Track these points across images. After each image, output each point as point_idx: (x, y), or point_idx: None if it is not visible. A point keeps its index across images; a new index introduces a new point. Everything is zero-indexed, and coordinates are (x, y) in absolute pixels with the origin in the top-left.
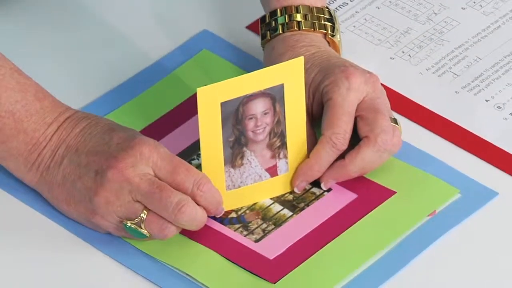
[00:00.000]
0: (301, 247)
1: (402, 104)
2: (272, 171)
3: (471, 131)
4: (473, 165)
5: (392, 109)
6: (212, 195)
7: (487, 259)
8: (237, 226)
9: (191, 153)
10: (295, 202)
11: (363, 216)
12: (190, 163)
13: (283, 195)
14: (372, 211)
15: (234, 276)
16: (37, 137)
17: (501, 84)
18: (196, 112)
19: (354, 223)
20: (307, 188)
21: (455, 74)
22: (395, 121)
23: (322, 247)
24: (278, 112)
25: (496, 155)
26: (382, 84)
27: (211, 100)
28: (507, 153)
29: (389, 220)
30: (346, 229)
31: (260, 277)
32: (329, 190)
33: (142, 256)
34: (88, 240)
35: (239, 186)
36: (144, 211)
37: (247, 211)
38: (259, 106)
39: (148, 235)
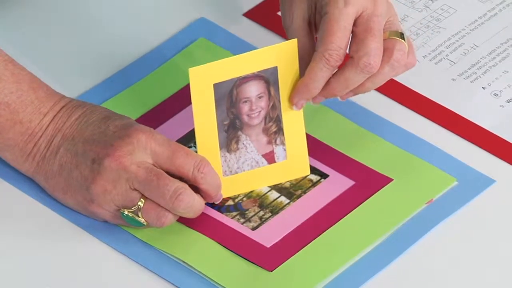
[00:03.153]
0: (298, 235)
1: (399, 92)
2: (270, 158)
3: (468, 118)
4: (470, 152)
5: (389, 97)
6: (213, 177)
7: (484, 247)
8: (234, 213)
9: (187, 141)
10: (292, 190)
11: (360, 204)
12: None
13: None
14: (369, 199)
15: (231, 264)
16: (33, 128)
17: (497, 71)
18: (191, 102)
19: (351, 210)
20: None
21: (451, 61)
22: (400, 35)
23: (319, 235)
24: (273, 97)
25: (493, 143)
26: None
27: (203, 80)
28: (504, 140)
29: (386, 208)
30: (343, 217)
31: (257, 265)
32: (326, 176)
33: (139, 244)
34: (85, 228)
35: (236, 172)
36: (142, 199)
37: (244, 199)
38: (253, 89)
39: (145, 223)
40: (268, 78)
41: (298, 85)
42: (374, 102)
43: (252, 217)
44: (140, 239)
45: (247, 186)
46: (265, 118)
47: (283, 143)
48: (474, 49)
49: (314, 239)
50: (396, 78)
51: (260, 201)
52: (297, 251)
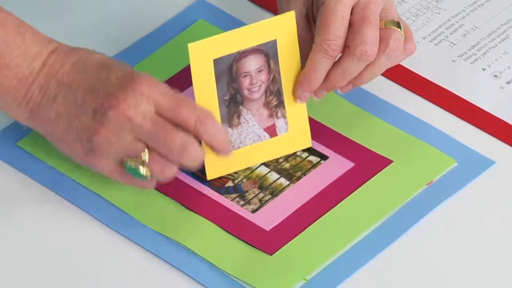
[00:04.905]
0: (298, 218)
1: (398, 74)
2: (271, 131)
3: (467, 99)
4: (469, 133)
5: (389, 78)
6: (217, 131)
7: (484, 228)
8: (234, 195)
9: None
10: (291, 171)
11: (359, 186)
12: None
13: (279, 163)
14: (369, 181)
15: (231, 247)
16: (22, 72)
17: (497, 52)
18: (191, 84)
19: (351, 193)
20: (304, 156)
21: (451, 42)
22: (397, 24)
23: (319, 218)
24: (273, 70)
25: (493, 124)
26: None
27: (203, 55)
28: (504, 121)
29: (386, 190)
30: (343, 199)
31: (257, 249)
32: (326, 158)
33: (138, 226)
34: (85, 209)
35: (239, 147)
36: (146, 151)
37: (244, 180)
38: (252, 63)
39: (148, 175)
40: (268, 52)
41: (300, 78)
42: (374, 83)
43: (251, 199)
44: (140, 221)
45: (250, 160)
46: (266, 91)
47: (284, 116)
48: (474, 30)
49: (313, 222)
50: None
51: (259, 182)
52: (297, 234)
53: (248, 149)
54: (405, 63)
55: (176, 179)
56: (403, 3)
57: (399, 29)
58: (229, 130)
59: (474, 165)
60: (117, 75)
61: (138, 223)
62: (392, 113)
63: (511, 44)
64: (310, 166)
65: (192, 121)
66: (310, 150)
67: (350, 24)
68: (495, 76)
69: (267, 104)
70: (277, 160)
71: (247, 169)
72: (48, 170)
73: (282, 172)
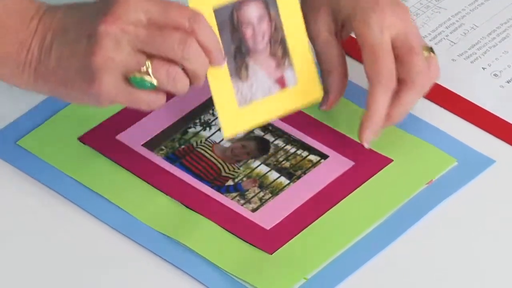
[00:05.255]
0: (298, 217)
1: None
2: (281, 82)
3: (467, 98)
4: (469, 132)
5: None
6: (209, 30)
7: (484, 227)
8: (234, 194)
9: (188, 121)
10: (291, 170)
11: (360, 185)
12: (186, 132)
13: (279, 162)
14: (369, 180)
15: (231, 246)
16: (22, 35)
17: (497, 51)
18: None
19: (351, 192)
20: (304, 155)
21: (451, 41)
22: (430, 49)
23: (319, 217)
24: (273, 18)
25: (493, 123)
26: None
27: (203, 5)
28: (504, 120)
29: (386, 189)
30: (343, 199)
31: (257, 248)
32: (326, 157)
33: (138, 225)
34: (85, 208)
35: (251, 100)
36: (148, 61)
37: (244, 179)
38: (253, 11)
39: (156, 83)
40: (267, 0)
41: (363, 121)
42: None
43: (252, 198)
44: (140, 220)
45: (263, 115)
46: (270, 41)
47: (291, 65)
48: (474, 29)
49: (314, 221)
50: None
51: (260, 181)
52: (297, 233)
53: (261, 104)
54: None
55: (176, 178)
56: (403, 2)
57: (434, 54)
58: (239, 83)
59: (474, 164)
60: (102, 1)
61: (138, 222)
62: None
63: (511, 43)
64: (310, 165)
65: (185, 21)
66: (310, 149)
67: (397, 59)
68: (495, 75)
69: (273, 54)
70: (277, 159)
71: (247, 167)
72: (48, 169)
73: (282, 171)
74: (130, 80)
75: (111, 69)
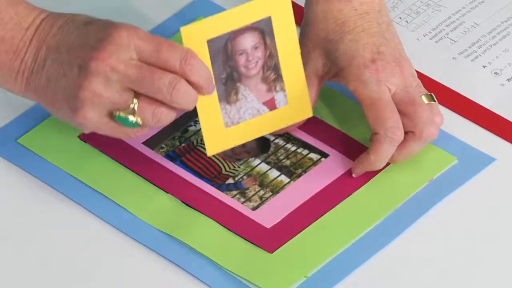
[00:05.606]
0: (298, 216)
1: None
2: (271, 105)
3: (468, 97)
4: (470, 131)
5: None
6: (201, 68)
7: (484, 225)
8: (234, 192)
9: (188, 119)
10: (292, 168)
11: (360, 184)
12: (187, 130)
13: (280, 160)
14: (370, 179)
15: (231, 245)
16: (16, 44)
17: (498, 50)
18: None
19: (352, 190)
20: (304, 153)
21: (452, 40)
22: (431, 97)
23: (320, 216)
24: (269, 46)
25: (493, 121)
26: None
27: (197, 38)
28: (504, 119)
29: (387, 188)
30: (344, 198)
31: (258, 246)
32: (326, 156)
33: (139, 224)
34: (86, 206)
35: (238, 122)
36: (135, 99)
37: (245, 177)
38: (248, 41)
39: (140, 122)
40: (263, 28)
41: (362, 161)
42: None
43: (252, 196)
44: (140, 218)
45: (250, 134)
46: (263, 67)
47: (283, 89)
48: (475, 27)
49: (314, 220)
50: None
51: (260, 179)
52: (298, 233)
53: (248, 123)
54: None
55: (177, 176)
56: (403, 0)
57: (435, 102)
58: (227, 107)
59: (474, 162)
60: (96, 28)
61: (139, 220)
62: None
63: None
64: (310, 163)
65: (177, 61)
66: (311, 148)
67: (400, 112)
68: (496, 73)
69: (265, 79)
70: (277, 157)
71: (247, 166)
72: (48, 167)
73: (282, 170)
74: (115, 117)
75: (97, 105)
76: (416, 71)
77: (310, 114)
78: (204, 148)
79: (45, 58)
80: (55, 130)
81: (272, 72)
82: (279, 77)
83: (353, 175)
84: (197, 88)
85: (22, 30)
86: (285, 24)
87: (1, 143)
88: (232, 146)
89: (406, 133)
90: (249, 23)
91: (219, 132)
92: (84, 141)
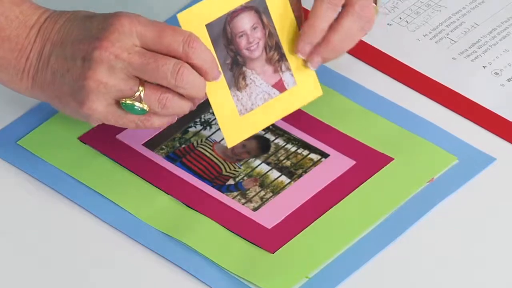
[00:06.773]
0: (299, 216)
1: (399, 70)
2: (280, 86)
3: (468, 97)
4: (470, 131)
5: (389, 75)
6: (204, 51)
7: (485, 225)
8: (235, 193)
9: (188, 120)
10: (292, 169)
11: (361, 184)
12: (187, 131)
13: (280, 161)
14: (370, 178)
15: (232, 246)
16: (21, 42)
17: (498, 50)
18: None
19: (352, 190)
20: (305, 154)
21: (452, 40)
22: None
23: (320, 216)
24: (267, 25)
25: (493, 121)
26: (378, 50)
27: (194, 23)
28: (504, 119)
29: (387, 187)
30: (345, 197)
31: (259, 247)
32: (326, 156)
33: (139, 225)
34: (86, 207)
35: (251, 109)
36: (140, 86)
37: (245, 178)
38: (245, 21)
39: (147, 109)
40: (258, 8)
41: (304, 28)
42: (374, 81)
43: (253, 197)
44: (141, 219)
45: (266, 120)
46: (265, 48)
47: (288, 69)
48: (475, 27)
49: (315, 220)
50: (397, 56)
51: (261, 180)
52: (299, 232)
53: (261, 109)
54: (406, 60)
55: (177, 177)
56: (404, 1)
57: (375, 5)
58: (238, 93)
59: (475, 162)
60: (98, 21)
61: (139, 221)
62: (393, 110)
63: None
64: (311, 164)
65: (180, 45)
66: (311, 148)
67: None
68: (496, 73)
69: (269, 60)
70: (278, 158)
71: (248, 167)
72: (49, 168)
73: (283, 170)
74: (121, 105)
75: (103, 94)
76: (416, 71)
77: (320, 92)
78: (205, 149)
79: (50, 54)
80: (55, 131)
81: (275, 52)
82: (283, 57)
83: (299, 55)
84: (202, 74)
85: (27, 28)
86: (279, 1)
87: (1, 144)
88: (251, 135)
89: (343, 8)
90: (244, 2)
91: (235, 122)
92: (84, 143)
